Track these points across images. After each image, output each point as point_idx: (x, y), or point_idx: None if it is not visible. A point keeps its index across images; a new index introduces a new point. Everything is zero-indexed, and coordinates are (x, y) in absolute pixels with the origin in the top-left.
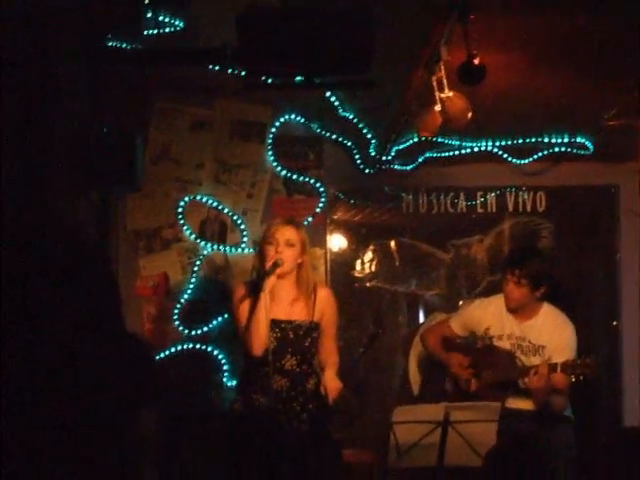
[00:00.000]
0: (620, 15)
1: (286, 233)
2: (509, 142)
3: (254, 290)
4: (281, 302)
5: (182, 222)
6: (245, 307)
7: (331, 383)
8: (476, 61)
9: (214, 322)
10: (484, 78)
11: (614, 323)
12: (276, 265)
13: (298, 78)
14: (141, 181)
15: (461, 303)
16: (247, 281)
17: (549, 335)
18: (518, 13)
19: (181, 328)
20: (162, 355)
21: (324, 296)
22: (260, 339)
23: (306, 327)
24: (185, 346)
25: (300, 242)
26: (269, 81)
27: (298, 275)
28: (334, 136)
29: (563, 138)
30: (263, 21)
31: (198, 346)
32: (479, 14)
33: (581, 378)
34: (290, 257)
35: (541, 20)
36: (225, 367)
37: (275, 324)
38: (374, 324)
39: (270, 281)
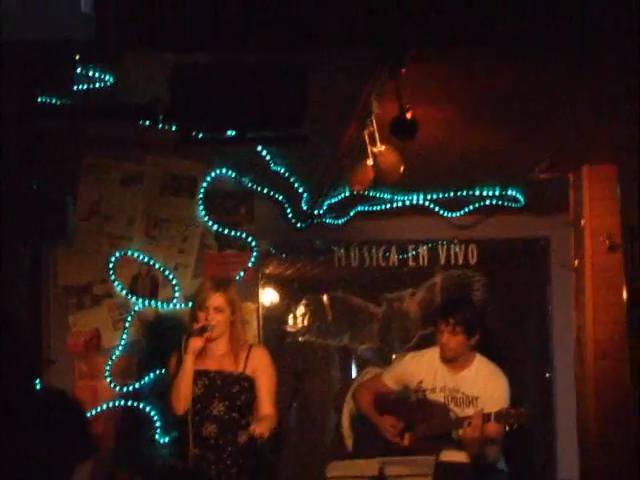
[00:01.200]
0: (550, 69)
1: (216, 300)
2: (441, 195)
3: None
4: (212, 356)
5: (113, 278)
6: (173, 365)
7: (257, 427)
8: (408, 115)
9: (146, 378)
10: (416, 132)
11: (547, 375)
12: (204, 330)
13: (230, 133)
14: (71, 236)
15: (394, 357)
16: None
17: (482, 386)
18: (448, 67)
19: (113, 385)
20: (94, 412)
21: (258, 353)
22: (180, 399)
23: (235, 376)
24: (117, 403)
25: (229, 305)
26: (200, 136)
27: (230, 333)
28: (265, 190)
29: (494, 191)
30: (194, 76)
31: (130, 403)
32: (410, 68)
33: (515, 427)
34: (220, 322)
35: (472, 74)
36: (157, 424)
37: (203, 373)
38: (296, 379)
39: (195, 343)
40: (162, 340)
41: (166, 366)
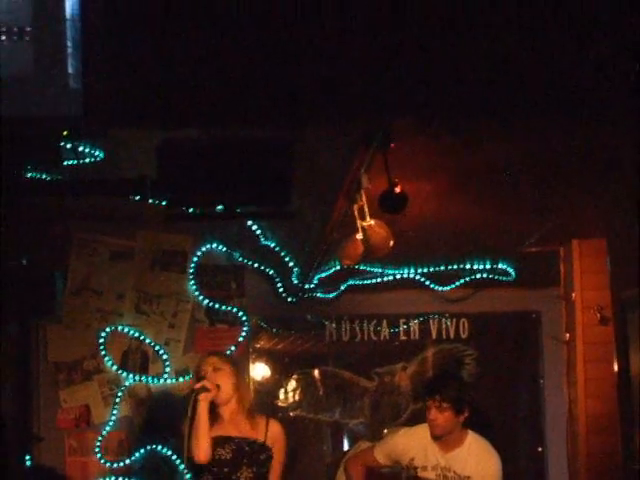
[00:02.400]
0: (539, 143)
1: (209, 361)
2: (431, 269)
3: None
4: (226, 421)
5: (103, 353)
6: (186, 428)
7: None
8: (397, 189)
9: (137, 454)
10: (405, 206)
11: (539, 449)
12: (202, 390)
13: (219, 208)
14: (61, 312)
15: (385, 432)
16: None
17: (474, 466)
18: (438, 142)
19: (103, 460)
20: None
21: (277, 427)
22: (202, 446)
23: (259, 444)
24: (108, 479)
25: (227, 363)
26: (189, 211)
27: (238, 397)
28: (256, 265)
29: (485, 264)
30: (182, 151)
31: (121, 478)
32: (399, 143)
33: None
34: (223, 381)
35: (460, 149)
36: None
37: (229, 439)
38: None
39: (201, 404)
40: (153, 415)
41: (163, 442)
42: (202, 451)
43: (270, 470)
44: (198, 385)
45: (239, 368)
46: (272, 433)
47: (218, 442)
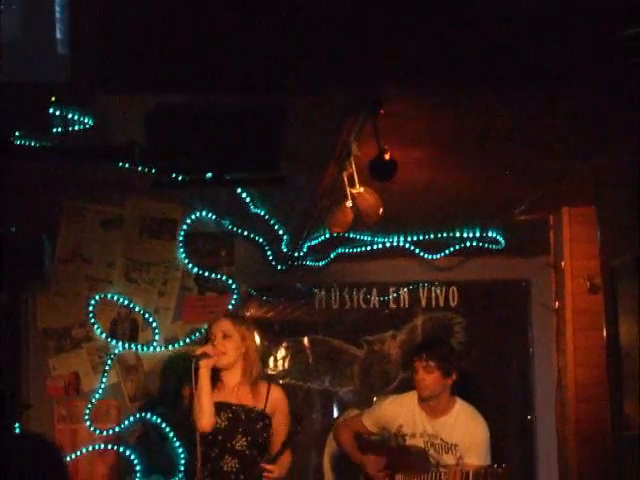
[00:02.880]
0: (529, 110)
1: (222, 325)
2: (421, 237)
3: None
4: (227, 388)
5: (93, 321)
6: (187, 394)
7: (276, 468)
8: (387, 156)
9: (126, 422)
10: (395, 174)
11: (528, 417)
12: (203, 356)
13: (208, 175)
14: (50, 279)
15: (375, 399)
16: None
17: (462, 434)
18: (427, 108)
19: (92, 428)
20: (74, 456)
21: (278, 393)
22: (205, 415)
23: (258, 412)
24: (97, 446)
25: (238, 333)
26: (179, 178)
27: (243, 364)
28: (245, 233)
29: (475, 233)
30: (172, 118)
31: (110, 446)
32: (389, 109)
33: None
34: (229, 348)
35: (451, 115)
36: (137, 467)
37: (226, 405)
38: (295, 422)
39: (203, 372)
40: (142, 383)
41: (152, 410)
42: (205, 420)
43: (272, 436)
44: (199, 351)
45: (252, 336)
46: (273, 400)
47: (215, 409)
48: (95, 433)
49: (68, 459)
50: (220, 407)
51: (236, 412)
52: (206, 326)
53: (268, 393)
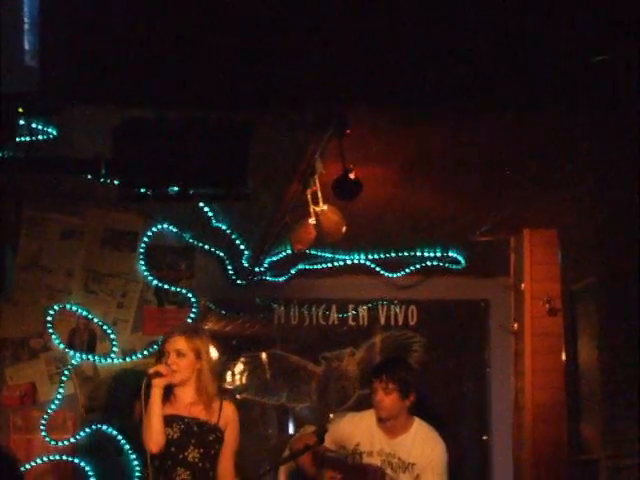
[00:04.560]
0: (490, 132)
1: (175, 343)
2: (381, 255)
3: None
4: (181, 403)
5: (51, 331)
6: (138, 412)
7: None
8: (351, 175)
9: (82, 433)
10: (359, 193)
11: (484, 438)
12: (156, 375)
13: (172, 189)
14: (10, 289)
15: (332, 416)
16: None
17: (419, 453)
18: (393, 128)
19: (48, 439)
20: (28, 466)
21: (231, 408)
22: (154, 435)
23: (210, 425)
24: (52, 457)
25: (193, 351)
26: (143, 192)
27: (197, 381)
28: (206, 246)
29: (435, 252)
30: (138, 132)
31: (65, 457)
32: (354, 129)
33: None
34: (182, 367)
35: (414, 136)
36: (92, 479)
37: (178, 418)
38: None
39: (155, 391)
40: (99, 395)
41: (108, 422)
42: (153, 441)
43: (222, 451)
44: (152, 370)
45: (207, 351)
46: (225, 414)
47: (167, 421)
48: (50, 444)
49: (22, 469)
50: (172, 419)
51: (188, 424)
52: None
53: (221, 408)
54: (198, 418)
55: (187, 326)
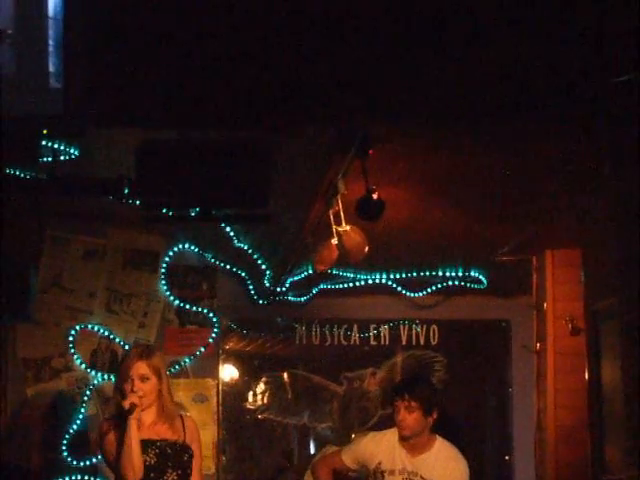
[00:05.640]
0: (516, 152)
1: (138, 369)
2: (403, 275)
3: (119, 424)
4: (144, 426)
5: (72, 351)
6: (112, 441)
7: None
8: (374, 196)
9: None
10: (382, 213)
11: (506, 458)
12: (133, 407)
13: (194, 210)
14: (32, 310)
15: (353, 436)
16: (109, 417)
17: (441, 471)
18: (416, 148)
19: (69, 459)
20: None
21: (192, 424)
22: (136, 468)
23: (181, 444)
24: (73, 477)
25: (155, 373)
26: (166, 213)
27: (158, 402)
28: (228, 266)
29: (457, 272)
30: (161, 154)
31: (86, 477)
32: (376, 150)
33: None
34: (147, 391)
35: (438, 156)
36: None
37: (150, 442)
38: (283, 457)
39: (132, 422)
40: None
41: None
42: (137, 474)
43: (192, 468)
44: (127, 404)
45: (164, 369)
46: (189, 431)
47: (142, 448)
48: (72, 464)
49: None
50: (146, 445)
51: (161, 447)
52: (186, 359)
53: (183, 424)
54: (168, 439)
55: (142, 349)
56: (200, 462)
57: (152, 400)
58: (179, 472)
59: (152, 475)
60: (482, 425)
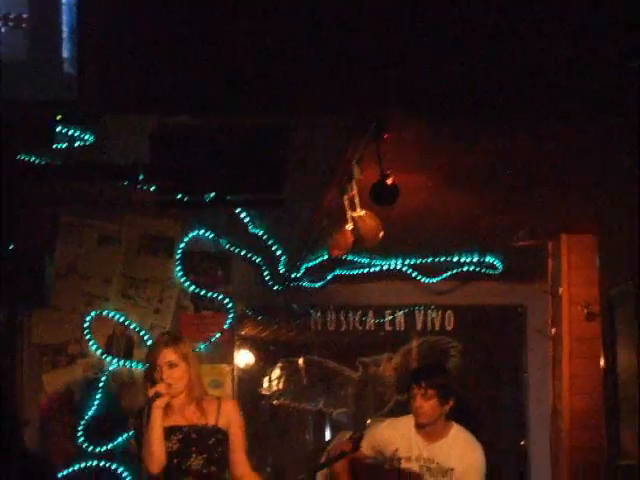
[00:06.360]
0: (531, 139)
1: (166, 356)
2: (419, 261)
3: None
4: (173, 410)
5: (88, 337)
6: (139, 429)
7: None
8: (389, 181)
9: (119, 439)
10: (397, 199)
11: (522, 443)
12: (157, 396)
13: (209, 195)
14: (48, 296)
15: (369, 422)
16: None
17: (458, 458)
18: (429, 134)
19: (85, 445)
20: (66, 472)
21: (230, 406)
22: (155, 456)
23: (209, 428)
24: (89, 463)
25: (183, 359)
26: (181, 198)
27: (187, 387)
28: (243, 252)
29: (472, 257)
30: (175, 138)
31: (102, 463)
32: (391, 134)
33: None
34: (176, 378)
35: (452, 142)
36: None
37: (175, 429)
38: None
39: (155, 411)
40: (136, 401)
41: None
42: (155, 463)
43: (231, 449)
44: (151, 392)
45: (193, 353)
46: (225, 413)
47: (165, 434)
48: (88, 450)
49: (60, 475)
50: (170, 431)
51: (186, 432)
52: (201, 345)
53: (219, 408)
54: (195, 424)
55: (168, 336)
56: (241, 445)
57: (182, 386)
58: (204, 456)
59: (175, 461)
60: (497, 411)
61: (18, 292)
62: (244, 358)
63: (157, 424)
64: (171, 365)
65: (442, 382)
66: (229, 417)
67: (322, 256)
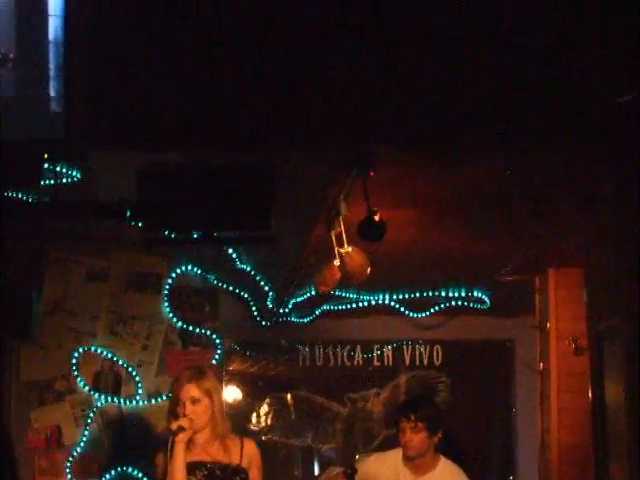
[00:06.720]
0: (517, 173)
1: (189, 392)
2: (406, 295)
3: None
4: (197, 446)
5: (76, 373)
6: (161, 465)
7: None
8: (376, 217)
9: (107, 475)
10: (384, 235)
11: (510, 478)
12: (180, 429)
13: (197, 233)
14: (36, 332)
15: (357, 457)
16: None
17: None
18: (416, 171)
19: None
20: None
21: (252, 447)
22: None
23: (233, 467)
24: None
25: (206, 395)
26: (167, 234)
27: (211, 423)
28: (231, 288)
29: (460, 292)
30: (162, 176)
31: None
32: (378, 171)
33: None
34: (199, 413)
35: (439, 177)
36: None
37: (200, 464)
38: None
39: (178, 445)
40: (124, 437)
41: (133, 464)
42: None
43: None
44: (174, 425)
45: (217, 389)
46: (247, 453)
47: (190, 469)
48: None
49: None
50: (194, 467)
51: (211, 469)
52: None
53: (242, 447)
54: (220, 462)
55: (193, 371)
56: None
57: (205, 422)
58: None
59: None
60: (486, 445)
61: (5, 328)
62: (232, 393)
63: (180, 458)
64: (194, 401)
65: (431, 414)
66: (251, 457)
67: (310, 292)
